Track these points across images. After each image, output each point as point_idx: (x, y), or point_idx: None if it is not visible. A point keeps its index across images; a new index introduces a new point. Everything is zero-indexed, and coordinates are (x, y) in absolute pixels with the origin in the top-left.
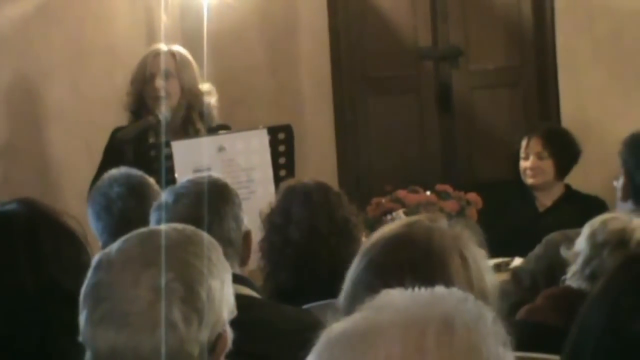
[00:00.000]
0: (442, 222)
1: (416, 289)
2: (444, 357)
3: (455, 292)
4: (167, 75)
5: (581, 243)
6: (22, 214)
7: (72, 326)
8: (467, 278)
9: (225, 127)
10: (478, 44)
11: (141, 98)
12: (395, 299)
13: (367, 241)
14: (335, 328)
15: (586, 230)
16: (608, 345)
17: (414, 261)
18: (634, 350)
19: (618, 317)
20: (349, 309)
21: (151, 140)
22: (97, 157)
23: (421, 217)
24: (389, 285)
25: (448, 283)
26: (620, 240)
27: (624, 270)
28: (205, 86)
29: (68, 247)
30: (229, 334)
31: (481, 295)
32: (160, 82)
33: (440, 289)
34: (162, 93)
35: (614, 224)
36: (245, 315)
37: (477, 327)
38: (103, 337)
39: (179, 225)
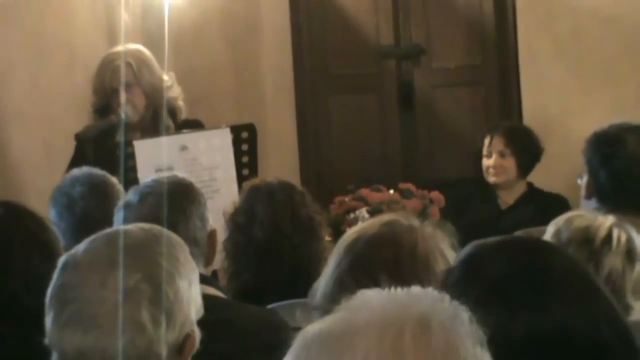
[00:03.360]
0: (416, 222)
1: (392, 289)
2: (421, 357)
3: (431, 292)
4: (128, 86)
5: (549, 238)
6: (0, 221)
7: (27, 345)
8: None
9: (197, 123)
10: (440, 42)
11: (107, 107)
12: (372, 299)
13: (344, 240)
14: (312, 329)
15: (551, 228)
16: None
17: (400, 259)
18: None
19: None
20: (330, 308)
21: (118, 139)
22: (57, 156)
23: (397, 217)
24: (374, 282)
25: (433, 282)
26: (584, 238)
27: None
28: (167, 79)
29: (40, 263)
30: (197, 334)
31: None
32: (123, 97)
33: (416, 289)
34: (127, 105)
35: (578, 222)
36: (210, 315)
37: (453, 326)
38: (70, 339)
39: (146, 225)
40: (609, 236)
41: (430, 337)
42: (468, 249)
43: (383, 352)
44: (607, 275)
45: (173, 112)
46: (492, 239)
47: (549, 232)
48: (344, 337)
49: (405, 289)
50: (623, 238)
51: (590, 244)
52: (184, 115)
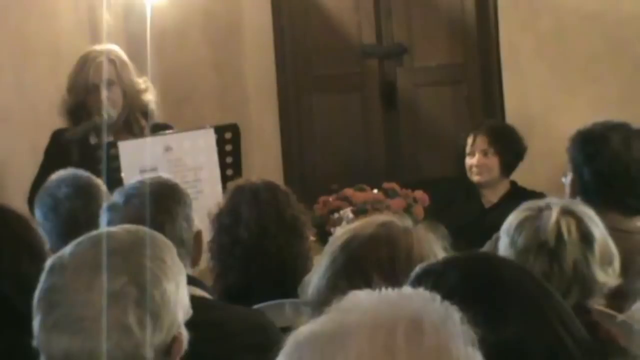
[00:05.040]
0: (410, 224)
1: (383, 289)
2: (413, 357)
3: (422, 293)
4: (110, 84)
5: (505, 250)
6: None
7: (17, 346)
8: None
9: (167, 127)
10: (422, 41)
11: (83, 106)
12: (363, 300)
13: (339, 238)
14: (304, 330)
15: (505, 239)
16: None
17: (396, 261)
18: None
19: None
20: (322, 306)
21: (92, 141)
22: (42, 157)
23: (393, 218)
24: (368, 282)
25: None
26: (538, 243)
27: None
28: (141, 83)
29: (28, 264)
30: (185, 336)
31: None
32: (105, 94)
33: (407, 290)
34: (107, 103)
35: (527, 228)
36: (196, 316)
37: (445, 326)
38: (57, 342)
39: (132, 228)
40: (559, 231)
41: (422, 337)
42: (417, 269)
43: (375, 353)
44: (572, 269)
45: (148, 115)
46: (439, 258)
47: (503, 243)
48: (336, 337)
49: (397, 290)
50: (573, 226)
51: (546, 246)
52: (155, 119)
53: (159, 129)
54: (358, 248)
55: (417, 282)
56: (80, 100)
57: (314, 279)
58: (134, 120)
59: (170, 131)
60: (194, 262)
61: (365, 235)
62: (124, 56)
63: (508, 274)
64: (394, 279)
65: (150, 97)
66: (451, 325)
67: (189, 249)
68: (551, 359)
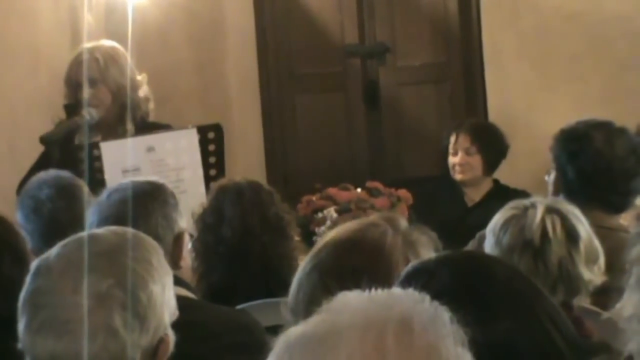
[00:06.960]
0: (402, 223)
1: (373, 290)
2: (403, 358)
3: (412, 293)
4: (93, 83)
5: (491, 249)
6: None
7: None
8: None
9: (166, 127)
10: (405, 40)
11: (78, 104)
12: (353, 301)
13: (319, 242)
14: (294, 331)
15: (490, 237)
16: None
17: (362, 268)
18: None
19: None
20: (305, 312)
21: (77, 141)
22: (21, 158)
23: (377, 219)
24: (341, 288)
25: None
26: (523, 241)
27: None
28: (135, 79)
29: (10, 267)
30: (171, 337)
31: None
32: (87, 92)
33: (396, 290)
34: (93, 102)
35: (512, 227)
36: (181, 316)
37: (435, 327)
38: (42, 345)
39: (119, 229)
40: (544, 229)
41: (412, 337)
42: (408, 267)
43: (366, 353)
44: (557, 267)
45: (144, 114)
46: (430, 257)
47: (489, 242)
48: (327, 339)
49: (386, 290)
50: (558, 225)
51: (531, 245)
52: (152, 117)
53: (157, 128)
54: (326, 257)
55: (407, 281)
56: (74, 97)
57: (295, 287)
58: (122, 121)
59: (154, 132)
60: (175, 264)
61: (334, 243)
62: (115, 52)
63: (498, 273)
64: (365, 284)
65: (142, 95)
66: (441, 325)
67: (167, 247)
68: (541, 358)
